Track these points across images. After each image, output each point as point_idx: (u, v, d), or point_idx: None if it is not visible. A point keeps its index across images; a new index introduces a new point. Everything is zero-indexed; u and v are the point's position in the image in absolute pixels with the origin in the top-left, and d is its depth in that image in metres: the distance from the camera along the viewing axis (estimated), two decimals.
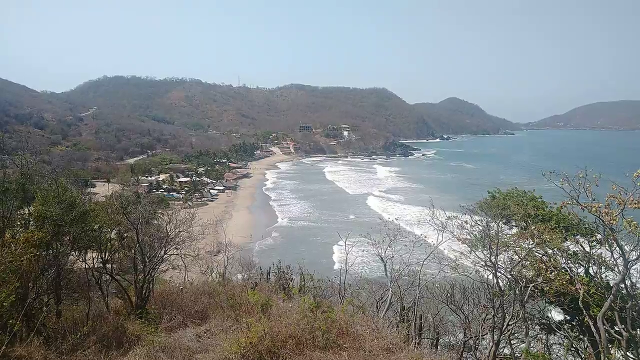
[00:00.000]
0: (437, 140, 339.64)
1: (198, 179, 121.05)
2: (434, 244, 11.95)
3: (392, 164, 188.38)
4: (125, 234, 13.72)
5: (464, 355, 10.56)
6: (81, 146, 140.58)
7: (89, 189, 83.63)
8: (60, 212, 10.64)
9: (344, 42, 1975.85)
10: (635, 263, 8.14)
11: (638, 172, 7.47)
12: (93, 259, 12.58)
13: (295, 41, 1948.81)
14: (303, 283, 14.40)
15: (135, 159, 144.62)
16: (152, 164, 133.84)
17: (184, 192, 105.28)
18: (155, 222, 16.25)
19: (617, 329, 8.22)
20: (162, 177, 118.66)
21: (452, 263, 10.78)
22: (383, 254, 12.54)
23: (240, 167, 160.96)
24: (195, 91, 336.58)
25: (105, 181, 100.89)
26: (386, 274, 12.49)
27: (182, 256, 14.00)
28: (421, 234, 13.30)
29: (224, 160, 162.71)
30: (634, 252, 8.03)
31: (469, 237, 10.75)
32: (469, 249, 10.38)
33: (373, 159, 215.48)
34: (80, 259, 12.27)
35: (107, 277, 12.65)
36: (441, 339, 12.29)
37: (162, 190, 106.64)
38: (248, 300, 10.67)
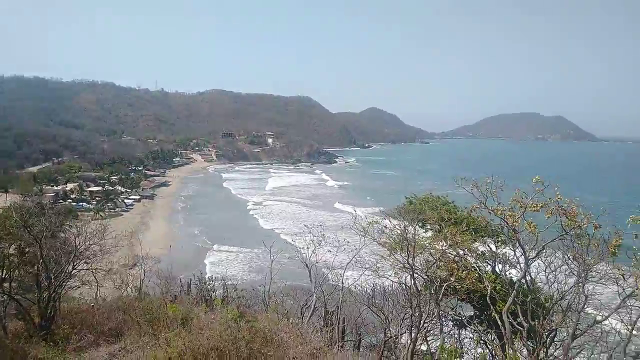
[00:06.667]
0: (358, 148, 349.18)
1: (111, 188, 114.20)
2: (356, 249, 12.23)
3: (316, 171, 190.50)
4: (27, 249, 12.53)
5: (384, 355, 10.90)
6: None
7: None
8: None
9: (267, 48, 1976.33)
10: (534, 261, 9.02)
11: (536, 178, 8.28)
12: None
13: (216, 45, 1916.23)
14: (226, 294, 14.09)
15: (39, 167, 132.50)
16: (59, 172, 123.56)
17: (95, 203, 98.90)
18: (62, 235, 15.06)
19: (519, 320, 8.94)
20: (70, 186, 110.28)
21: (373, 266, 11.10)
22: (308, 260, 12.63)
23: (158, 175, 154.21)
24: (108, 94, 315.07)
25: (2, 191, 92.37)
26: (310, 280, 12.58)
27: (93, 271, 13.16)
28: (344, 239, 13.56)
29: (139, 168, 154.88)
30: (533, 251, 8.89)
31: (388, 240, 11.13)
32: (388, 252, 10.75)
33: (298, 166, 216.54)
34: None
35: (5, 297, 11.47)
36: (363, 340, 12.60)
37: (70, 200, 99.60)
38: (167, 314, 10.21)
